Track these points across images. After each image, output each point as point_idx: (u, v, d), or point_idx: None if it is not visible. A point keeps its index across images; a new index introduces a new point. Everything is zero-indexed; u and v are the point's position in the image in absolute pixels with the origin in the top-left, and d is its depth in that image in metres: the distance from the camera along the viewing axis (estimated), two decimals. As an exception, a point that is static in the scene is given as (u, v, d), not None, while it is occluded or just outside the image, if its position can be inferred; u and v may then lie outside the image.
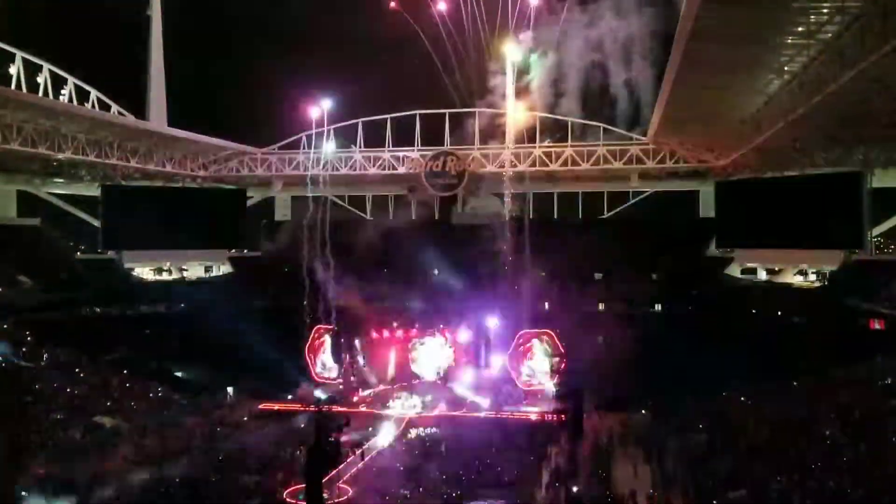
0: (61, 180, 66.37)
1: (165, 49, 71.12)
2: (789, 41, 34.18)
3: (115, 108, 63.47)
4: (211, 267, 69.81)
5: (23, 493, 29.39)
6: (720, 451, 35.92)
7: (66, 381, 44.88)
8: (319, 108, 60.40)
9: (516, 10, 51.17)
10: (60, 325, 52.60)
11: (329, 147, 66.22)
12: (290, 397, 50.24)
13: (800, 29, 32.49)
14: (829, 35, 31.61)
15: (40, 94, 53.69)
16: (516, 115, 57.26)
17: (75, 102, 57.54)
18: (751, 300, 56.54)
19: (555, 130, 67.42)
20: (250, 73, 75.28)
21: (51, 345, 48.84)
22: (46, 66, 55.19)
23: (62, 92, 57.73)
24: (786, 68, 36.77)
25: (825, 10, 30.52)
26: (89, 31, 67.73)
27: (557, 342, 49.56)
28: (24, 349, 47.02)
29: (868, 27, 28.17)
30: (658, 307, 59.63)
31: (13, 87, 51.27)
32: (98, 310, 58.85)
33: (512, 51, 51.62)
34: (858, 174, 53.35)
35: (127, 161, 60.48)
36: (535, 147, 65.96)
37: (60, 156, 54.98)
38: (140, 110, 69.14)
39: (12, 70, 52.15)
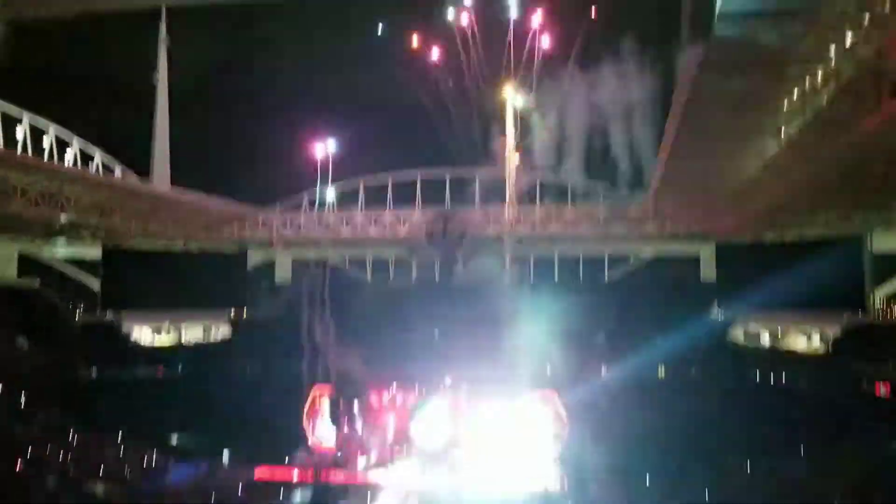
0: (62, 242, 66.52)
1: (170, 111, 72.26)
2: (786, 105, 34.61)
3: (118, 170, 64.06)
4: (210, 329, 69.33)
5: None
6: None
7: (59, 446, 44.09)
8: (321, 168, 60.83)
9: (520, 69, 51.99)
10: (56, 389, 52.00)
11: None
12: (287, 463, 49.23)
13: (795, 94, 32.91)
14: (824, 99, 31.99)
15: (45, 156, 54.25)
16: (516, 173, 57.62)
17: (79, 165, 58.06)
18: (755, 365, 55.94)
19: (555, 192, 67.91)
20: (253, 135, 76.17)
21: (46, 408, 48.20)
22: (52, 128, 55.86)
23: (66, 154, 58.35)
24: (782, 132, 37.13)
25: (819, 77, 30.96)
26: (95, 95, 68.77)
27: (560, 406, 48.79)
28: (19, 412, 46.46)
29: (861, 93, 28.50)
30: (661, 372, 58.94)
31: (19, 149, 51.82)
32: (94, 373, 58.18)
33: (512, 96, 52.04)
34: (858, 237, 53.35)
35: (129, 223, 60.73)
36: (535, 209, 66.25)
37: (63, 218, 55.22)
38: (144, 172, 69.80)
39: (18, 132, 52.78)
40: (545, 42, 49.72)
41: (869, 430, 39.20)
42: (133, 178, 64.71)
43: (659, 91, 42.43)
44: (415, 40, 50.49)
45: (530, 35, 51.41)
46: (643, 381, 56.98)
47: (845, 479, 35.11)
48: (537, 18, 50.40)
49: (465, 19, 51.01)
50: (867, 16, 25.97)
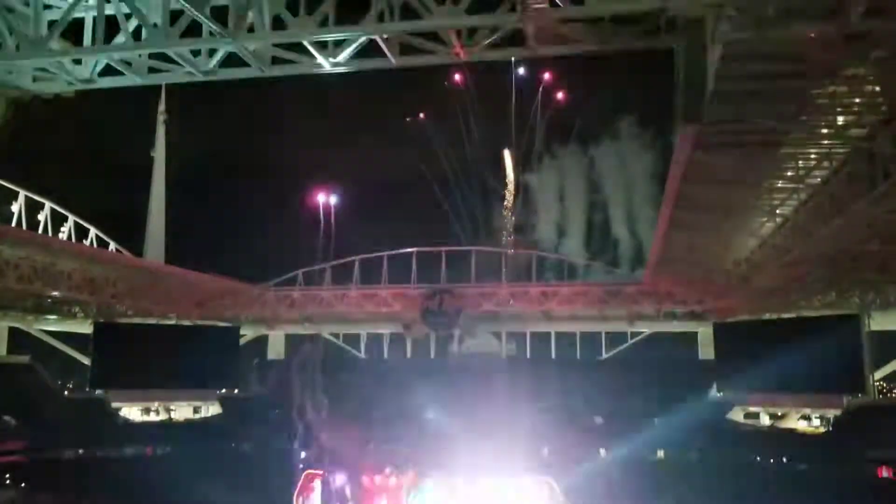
0: (54, 317, 66.00)
1: (166, 187, 72.77)
2: (780, 185, 34.79)
3: (112, 245, 64.06)
4: (200, 407, 68.08)
5: None
6: None
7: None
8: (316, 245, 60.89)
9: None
10: (42, 468, 50.87)
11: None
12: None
13: (789, 173, 33.11)
14: (819, 179, 32.17)
15: (40, 230, 54.27)
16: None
17: (74, 240, 58.06)
18: (755, 446, 54.98)
19: (552, 269, 68.01)
20: (248, 212, 76.66)
21: (30, 488, 47.02)
22: (48, 204, 56.06)
23: (62, 229, 58.42)
24: (777, 211, 37.22)
25: (813, 156, 31.18)
26: (91, 171, 69.49)
27: (557, 490, 47.59)
28: (3, 493, 45.32)
29: (855, 172, 28.66)
30: (661, 453, 57.85)
31: (13, 223, 51.89)
32: (81, 452, 56.91)
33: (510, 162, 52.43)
34: (856, 317, 53.15)
35: (121, 298, 60.34)
36: (531, 286, 66.11)
37: (55, 293, 54.85)
38: (138, 248, 69.89)
39: (14, 207, 52.95)
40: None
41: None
42: (127, 255, 64.67)
43: (655, 169, 42.95)
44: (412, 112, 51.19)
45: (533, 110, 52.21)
46: (641, 462, 55.93)
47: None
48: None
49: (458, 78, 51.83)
50: (857, 99, 26.30)
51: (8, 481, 48.59)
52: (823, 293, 53.11)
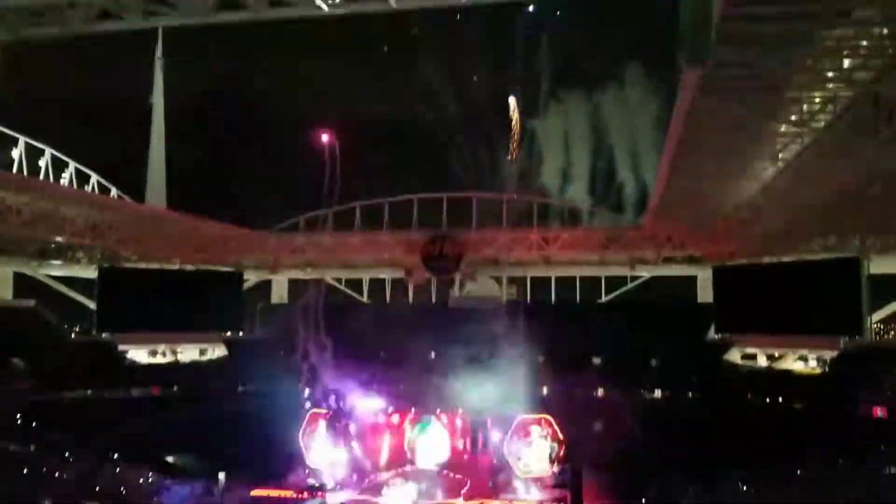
0: (58, 262, 66.37)
1: (166, 133, 72.41)
2: (783, 129, 34.77)
3: (114, 191, 64.11)
4: (206, 350, 69.00)
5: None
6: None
7: (55, 466, 43.79)
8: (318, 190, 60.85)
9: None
10: (51, 409, 51.76)
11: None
12: (283, 483, 48.86)
13: (793, 118, 33.06)
14: (822, 123, 32.15)
15: (41, 177, 54.28)
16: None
17: (75, 186, 58.09)
18: (751, 386, 55.90)
19: (553, 214, 68.11)
20: (249, 157, 76.39)
21: (41, 428, 47.94)
22: (48, 151, 55.97)
23: (63, 175, 58.41)
24: (780, 156, 37.27)
25: (817, 100, 31.15)
26: (91, 116, 69.03)
27: (556, 427, 48.69)
28: (14, 433, 46.22)
29: (859, 116, 28.66)
30: (658, 393, 58.83)
31: (14, 170, 51.90)
32: (89, 393, 57.80)
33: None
34: (856, 260, 53.53)
35: (124, 244, 60.63)
36: (532, 231, 66.30)
37: (58, 238, 55.12)
38: (139, 194, 69.92)
39: (14, 153, 52.90)
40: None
41: (865, 452, 39.06)
42: (128, 201, 64.78)
43: (661, 114, 42.73)
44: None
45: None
46: (640, 402, 56.97)
47: (842, 499, 34.99)
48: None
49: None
50: (864, 42, 26.18)
51: (18, 422, 49.46)
52: (823, 237, 53.41)
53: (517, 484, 48.45)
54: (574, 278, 72.72)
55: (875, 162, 31.47)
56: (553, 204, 67.17)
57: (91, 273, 67.02)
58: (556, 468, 46.05)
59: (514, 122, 52.14)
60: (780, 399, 52.69)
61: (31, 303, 64.64)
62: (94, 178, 61.69)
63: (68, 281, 70.04)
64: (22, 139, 53.37)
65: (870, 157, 30.20)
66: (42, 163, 56.82)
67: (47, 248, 60.92)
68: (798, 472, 41.26)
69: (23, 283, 67.25)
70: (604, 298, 71.94)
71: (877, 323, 58.48)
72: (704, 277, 66.96)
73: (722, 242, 58.85)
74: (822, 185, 35.76)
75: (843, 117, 30.16)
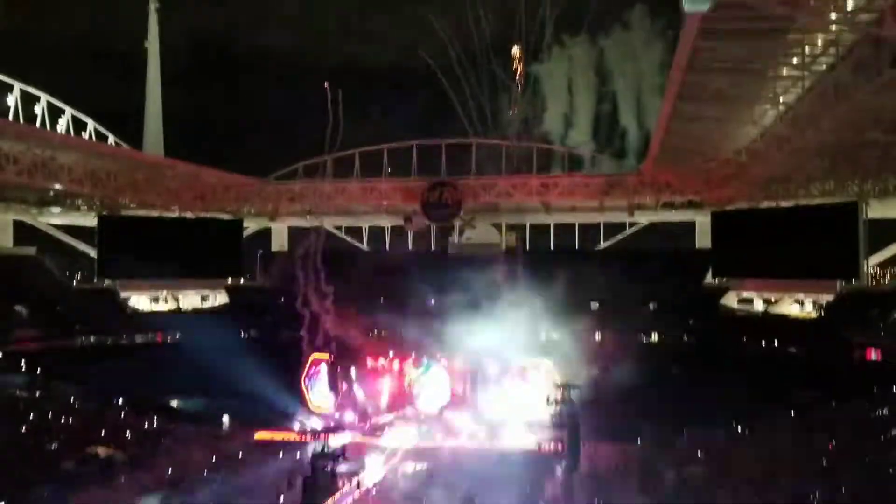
0: (58, 210, 66.32)
1: (163, 80, 71.70)
2: (784, 73, 34.61)
3: (111, 138, 63.72)
4: (207, 297, 69.53)
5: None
6: (716, 482, 35.69)
7: (60, 411, 44.43)
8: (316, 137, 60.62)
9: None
10: (56, 355, 52.29)
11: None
12: (286, 427, 49.73)
13: (794, 61, 32.89)
14: (824, 67, 32.00)
15: (37, 124, 53.91)
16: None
17: (72, 133, 57.72)
18: (747, 330, 56.49)
19: (552, 161, 67.94)
20: (247, 105, 75.81)
21: (46, 375, 48.54)
22: (44, 97, 55.47)
23: (59, 123, 57.98)
24: (781, 99, 37.17)
25: (819, 43, 30.94)
26: (87, 63, 68.28)
27: (554, 371, 49.46)
28: (19, 379, 46.78)
29: (861, 59, 28.52)
30: (655, 337, 59.48)
31: (10, 117, 51.48)
32: (93, 339, 58.34)
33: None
34: (854, 204, 53.66)
35: (123, 191, 60.56)
36: (531, 178, 66.21)
37: (57, 186, 55.02)
38: (137, 142, 69.52)
39: (10, 101, 52.40)
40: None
41: (858, 394, 39.73)
42: (126, 148, 64.43)
43: (664, 59, 42.40)
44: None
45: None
46: (636, 346, 57.62)
47: (835, 440, 35.71)
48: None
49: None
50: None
51: (24, 368, 50.02)
52: (822, 181, 53.46)
53: (516, 425, 49.42)
54: (573, 225, 72.94)
55: (876, 105, 31.41)
56: (553, 150, 66.91)
57: (91, 221, 67.06)
58: (553, 410, 46.87)
59: (517, 67, 51.59)
60: (776, 343, 53.24)
61: (32, 250, 64.82)
62: (91, 125, 61.22)
63: (68, 229, 70.04)
64: (17, 86, 52.82)
65: (871, 100, 30.11)
66: (38, 110, 56.36)
67: (46, 195, 60.81)
68: (791, 413, 42.09)
69: (23, 232, 67.26)
70: (602, 245, 72.24)
71: (873, 267, 58.78)
72: (703, 223, 67.13)
73: (721, 187, 58.89)
74: (823, 128, 35.68)
75: (845, 60, 30.03)
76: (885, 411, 37.03)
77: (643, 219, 69.65)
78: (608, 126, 60.03)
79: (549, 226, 73.35)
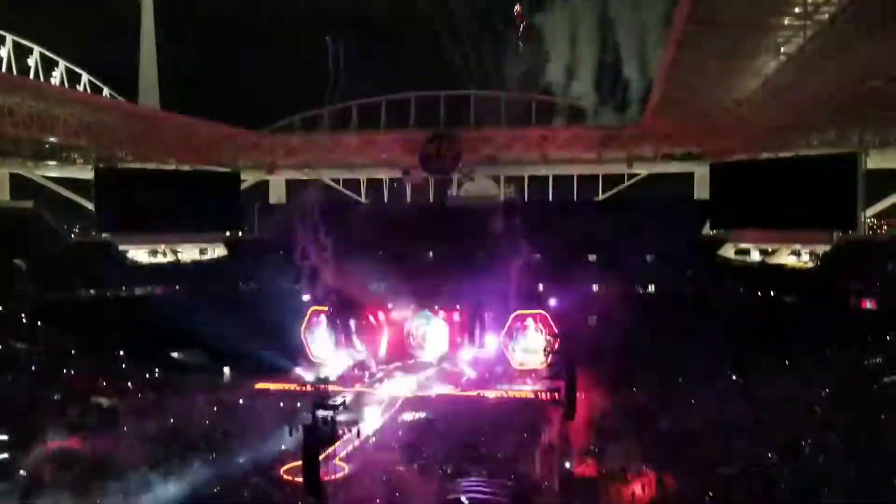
0: (54, 163, 66.05)
1: (157, 32, 70.87)
2: (786, 22, 34.18)
3: (106, 91, 63.21)
4: (206, 249, 69.55)
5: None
6: (712, 430, 36.31)
7: (61, 363, 44.86)
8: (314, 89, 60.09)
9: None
10: (55, 308, 52.53)
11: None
12: (286, 377, 50.31)
13: (796, 10, 32.49)
14: (826, 16, 31.60)
15: (31, 77, 53.42)
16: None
17: (66, 85, 57.22)
18: (744, 281, 56.81)
19: (551, 113, 67.47)
20: (243, 56, 74.97)
21: (46, 327, 48.85)
22: (37, 49, 54.89)
23: (52, 75, 57.46)
24: (782, 50, 36.73)
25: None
26: (81, 14, 67.36)
27: (551, 322, 49.91)
28: (19, 331, 47.10)
29: (865, 8, 28.17)
30: (652, 288, 59.81)
31: (3, 69, 50.99)
32: (93, 292, 58.54)
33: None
34: (854, 155, 53.53)
35: (120, 144, 60.20)
36: (530, 130, 65.82)
37: (53, 139, 54.66)
38: (132, 94, 68.97)
39: (2, 52, 51.87)
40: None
41: (853, 343, 40.13)
42: (121, 101, 63.93)
43: (662, 8, 41.79)
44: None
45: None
46: (634, 297, 58.00)
47: (831, 388, 36.19)
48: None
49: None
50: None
51: (24, 321, 50.30)
52: (822, 132, 53.21)
53: (513, 375, 50.05)
54: (571, 177, 72.82)
55: (877, 56, 31.14)
56: (552, 101, 66.39)
57: (88, 174, 66.81)
58: (550, 361, 47.38)
59: (518, 14, 50.83)
60: (772, 293, 53.60)
61: (30, 203, 64.69)
62: (85, 77, 60.71)
63: (65, 182, 69.78)
64: (9, 37, 52.23)
65: (872, 50, 29.86)
66: (31, 62, 55.84)
67: (42, 149, 60.45)
68: (786, 362, 42.58)
69: (20, 185, 67.05)
70: (601, 196, 72.20)
71: (871, 218, 58.90)
72: (701, 174, 67.00)
73: (721, 138, 58.63)
74: (824, 79, 35.45)
75: (848, 9, 29.65)
76: (879, 360, 37.44)
77: (642, 170, 69.49)
78: (612, 78, 59.24)
79: (547, 178, 73.21)
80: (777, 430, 33.13)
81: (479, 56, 56.19)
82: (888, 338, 38.91)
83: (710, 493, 29.15)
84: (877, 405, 32.42)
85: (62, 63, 58.02)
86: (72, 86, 58.21)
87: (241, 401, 44.82)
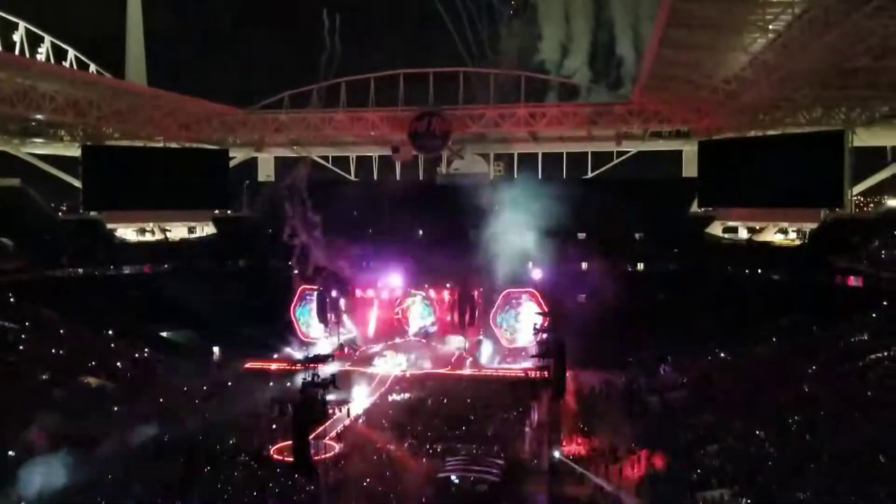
0: (41, 140, 65.46)
1: (144, 8, 70.06)
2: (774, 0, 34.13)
3: (93, 67, 62.56)
4: (194, 228, 69.24)
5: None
6: (699, 407, 36.68)
7: (50, 342, 44.69)
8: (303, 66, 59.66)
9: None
10: (43, 286, 52.30)
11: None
12: (276, 356, 50.43)
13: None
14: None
15: (16, 52, 52.80)
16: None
17: (52, 61, 56.60)
18: (732, 258, 57.11)
19: (540, 90, 67.21)
20: (231, 33, 74.27)
21: (34, 305, 48.63)
22: (22, 24, 54.24)
23: (39, 50, 56.83)
24: (770, 27, 36.66)
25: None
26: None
27: (541, 300, 50.08)
28: (7, 310, 46.85)
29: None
30: (641, 266, 60.04)
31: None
32: (81, 271, 58.27)
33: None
34: (840, 133, 53.63)
35: (107, 121, 59.71)
36: (519, 107, 65.58)
37: (39, 116, 54.15)
38: (119, 70, 68.26)
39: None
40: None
41: (839, 319, 40.47)
42: (108, 77, 63.27)
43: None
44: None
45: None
46: (622, 275, 58.21)
47: (817, 364, 36.54)
48: None
49: None
50: None
51: (12, 300, 50.03)
52: (810, 109, 53.26)
53: (503, 353, 50.30)
54: (561, 155, 72.77)
55: (865, 32, 31.16)
56: (541, 78, 66.10)
57: (75, 151, 66.27)
58: (540, 338, 47.56)
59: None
60: (759, 270, 53.92)
61: (17, 181, 64.15)
62: (72, 53, 60.05)
63: (52, 159, 69.22)
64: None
65: (860, 27, 29.87)
66: (16, 37, 55.18)
67: (29, 126, 59.87)
68: (773, 339, 42.94)
69: (5, 163, 66.49)
70: (590, 174, 72.22)
71: (857, 195, 59.20)
72: (690, 152, 67.07)
73: (709, 116, 58.64)
74: (812, 55, 35.44)
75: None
76: (865, 336, 37.78)
77: (631, 148, 69.47)
78: (605, 55, 59.00)
79: (536, 155, 73.15)
80: (764, 408, 33.50)
81: (473, 32, 55.93)
82: (874, 315, 39.22)
83: (699, 471, 29.53)
84: (862, 380, 32.81)
85: (48, 39, 57.41)
86: (58, 62, 57.56)
87: (230, 380, 44.81)
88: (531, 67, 63.24)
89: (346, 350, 52.15)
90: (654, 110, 62.78)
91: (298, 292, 53.68)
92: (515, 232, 53.25)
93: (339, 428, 35.82)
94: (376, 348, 52.17)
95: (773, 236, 59.30)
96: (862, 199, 61.13)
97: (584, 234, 62.66)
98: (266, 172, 75.97)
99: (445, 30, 55.64)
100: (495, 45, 57.83)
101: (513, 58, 58.04)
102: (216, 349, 51.35)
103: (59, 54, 58.46)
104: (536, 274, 55.21)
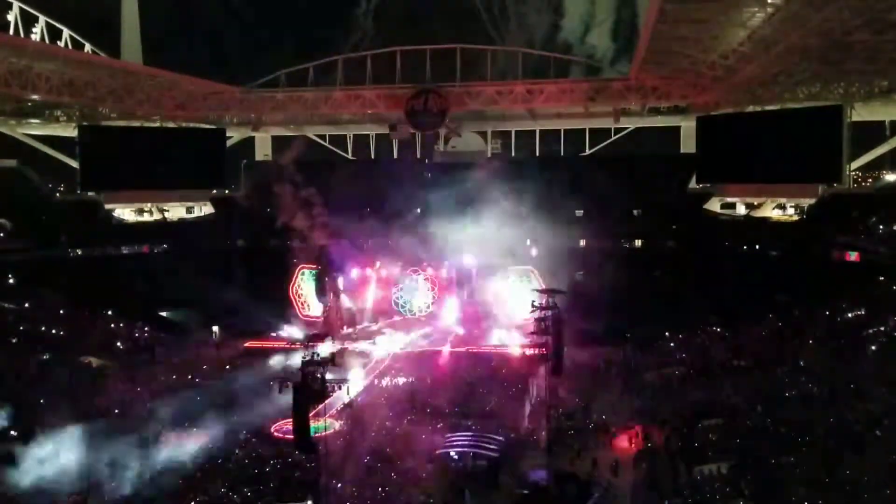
0: (37, 121, 65.19)
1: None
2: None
3: (88, 47, 62.13)
4: (192, 207, 69.24)
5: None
6: (697, 383, 36.92)
7: (50, 322, 44.84)
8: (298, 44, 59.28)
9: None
10: (42, 267, 52.36)
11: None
12: (275, 335, 50.55)
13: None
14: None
15: (10, 32, 52.44)
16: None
17: (47, 41, 56.23)
18: (730, 234, 57.18)
19: (537, 67, 66.82)
20: (226, 10, 73.74)
21: (33, 286, 48.73)
22: (16, 4, 53.81)
23: (33, 30, 56.42)
24: (769, 1, 36.44)
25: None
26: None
27: (538, 277, 50.22)
28: (6, 290, 47.00)
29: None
30: (638, 242, 60.09)
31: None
32: (80, 251, 58.28)
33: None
34: (839, 108, 53.48)
35: (103, 101, 59.45)
36: (516, 84, 65.27)
37: (34, 96, 53.90)
38: (114, 50, 67.81)
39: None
40: None
41: (837, 294, 40.61)
42: (103, 56, 62.81)
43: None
44: None
45: None
46: (621, 251, 58.31)
47: (814, 339, 36.76)
48: None
49: None
50: None
51: (11, 281, 50.13)
52: (808, 84, 53.04)
53: (501, 331, 50.46)
54: (559, 131, 72.55)
55: (864, 6, 30.99)
56: (539, 55, 65.70)
57: (71, 131, 66.05)
58: (538, 315, 47.68)
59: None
60: (757, 246, 53.98)
61: (13, 162, 63.97)
62: (66, 33, 59.57)
63: (48, 140, 68.95)
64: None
65: (858, 2, 29.69)
66: (10, 17, 54.73)
67: (24, 106, 59.57)
68: (770, 315, 43.09)
69: (2, 144, 66.17)
70: (588, 151, 72.04)
71: (855, 171, 59.15)
72: (688, 128, 66.82)
73: (708, 91, 58.40)
74: (810, 30, 35.27)
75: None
76: (862, 311, 37.96)
77: (629, 124, 69.26)
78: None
79: (534, 132, 72.94)
80: (761, 381, 33.73)
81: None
82: (870, 290, 39.36)
83: (696, 444, 29.79)
84: (857, 355, 33.00)
85: (42, 18, 56.91)
86: (52, 42, 57.12)
87: (230, 359, 44.97)
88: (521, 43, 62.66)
89: (344, 328, 52.17)
90: (652, 86, 62.42)
91: (296, 271, 53.81)
92: (513, 209, 53.30)
93: (339, 406, 35.99)
94: (374, 326, 52.36)
95: (770, 212, 59.35)
96: (860, 174, 61.03)
97: (582, 211, 62.61)
98: (263, 151, 75.70)
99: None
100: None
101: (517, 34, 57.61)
102: (216, 328, 51.48)
103: (54, 34, 57.99)
104: (534, 251, 55.32)
